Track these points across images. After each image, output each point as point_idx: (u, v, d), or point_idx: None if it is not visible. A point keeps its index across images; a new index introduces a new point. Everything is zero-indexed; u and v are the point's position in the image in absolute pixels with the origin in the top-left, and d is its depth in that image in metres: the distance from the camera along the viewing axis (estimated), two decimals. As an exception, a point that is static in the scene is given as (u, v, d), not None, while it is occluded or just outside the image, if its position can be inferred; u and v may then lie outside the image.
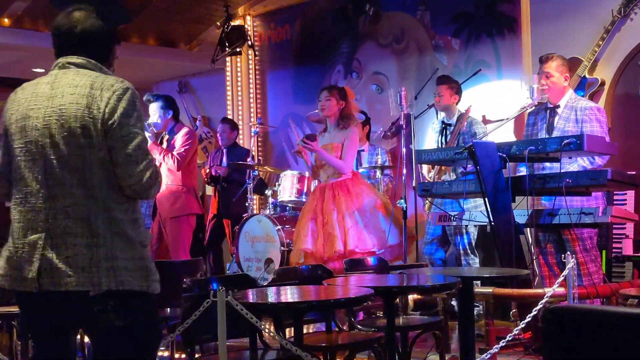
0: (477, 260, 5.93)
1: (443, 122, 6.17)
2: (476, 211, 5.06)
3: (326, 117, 5.70)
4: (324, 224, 5.47)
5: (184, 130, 6.41)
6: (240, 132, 9.02)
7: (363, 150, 7.19)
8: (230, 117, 9.06)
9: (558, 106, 5.00)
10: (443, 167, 6.07)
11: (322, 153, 5.57)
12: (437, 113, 6.31)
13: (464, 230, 5.95)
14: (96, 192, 2.41)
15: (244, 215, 7.20)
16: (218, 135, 8.15)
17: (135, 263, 2.44)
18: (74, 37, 2.54)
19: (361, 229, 5.40)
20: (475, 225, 5.62)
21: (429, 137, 6.34)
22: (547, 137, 4.84)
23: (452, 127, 6.05)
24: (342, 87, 5.99)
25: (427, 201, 6.09)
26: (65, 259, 2.38)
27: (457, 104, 6.16)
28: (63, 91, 2.45)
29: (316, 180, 6.18)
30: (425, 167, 6.19)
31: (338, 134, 5.63)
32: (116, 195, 2.45)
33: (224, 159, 7.88)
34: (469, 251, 5.96)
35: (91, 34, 2.55)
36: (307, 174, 6.65)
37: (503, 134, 6.18)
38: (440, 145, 6.10)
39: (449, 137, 6.07)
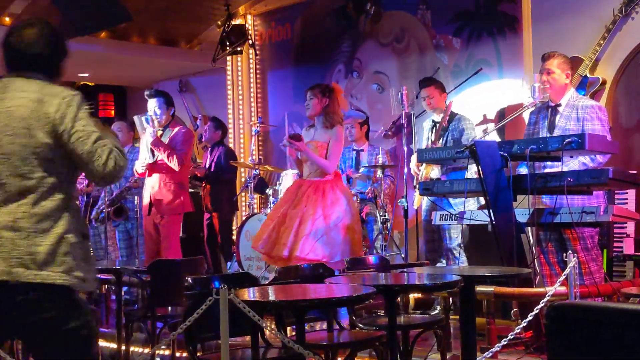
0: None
1: (433, 120, 6.21)
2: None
3: (311, 117, 5.70)
4: (285, 227, 5.43)
5: (183, 129, 6.44)
6: (241, 131, 9.01)
7: (362, 150, 7.18)
8: (230, 116, 9.06)
9: (559, 105, 4.99)
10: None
11: (308, 153, 5.55)
12: (436, 111, 6.32)
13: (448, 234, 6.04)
14: (29, 183, 2.51)
15: (233, 215, 7.30)
16: (204, 130, 8.17)
17: (57, 257, 2.51)
18: (25, 59, 2.65)
19: (317, 239, 5.33)
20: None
21: (424, 136, 6.37)
22: (548, 135, 4.83)
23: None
24: (327, 84, 5.95)
25: (415, 193, 6.11)
26: None
27: (445, 101, 6.20)
28: (12, 95, 2.58)
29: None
30: (413, 163, 6.18)
31: (324, 133, 5.60)
32: (49, 188, 2.54)
33: (208, 157, 7.93)
34: (455, 253, 5.99)
35: (42, 56, 2.66)
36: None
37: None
38: (429, 142, 6.13)
39: None
